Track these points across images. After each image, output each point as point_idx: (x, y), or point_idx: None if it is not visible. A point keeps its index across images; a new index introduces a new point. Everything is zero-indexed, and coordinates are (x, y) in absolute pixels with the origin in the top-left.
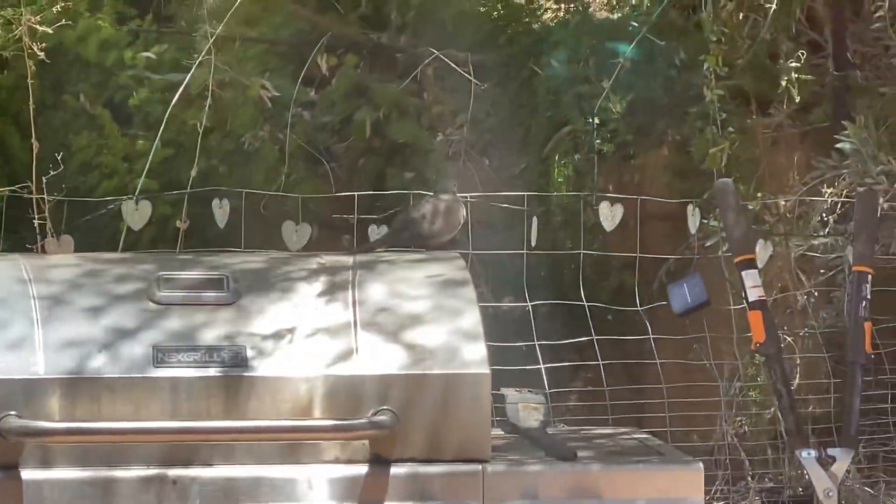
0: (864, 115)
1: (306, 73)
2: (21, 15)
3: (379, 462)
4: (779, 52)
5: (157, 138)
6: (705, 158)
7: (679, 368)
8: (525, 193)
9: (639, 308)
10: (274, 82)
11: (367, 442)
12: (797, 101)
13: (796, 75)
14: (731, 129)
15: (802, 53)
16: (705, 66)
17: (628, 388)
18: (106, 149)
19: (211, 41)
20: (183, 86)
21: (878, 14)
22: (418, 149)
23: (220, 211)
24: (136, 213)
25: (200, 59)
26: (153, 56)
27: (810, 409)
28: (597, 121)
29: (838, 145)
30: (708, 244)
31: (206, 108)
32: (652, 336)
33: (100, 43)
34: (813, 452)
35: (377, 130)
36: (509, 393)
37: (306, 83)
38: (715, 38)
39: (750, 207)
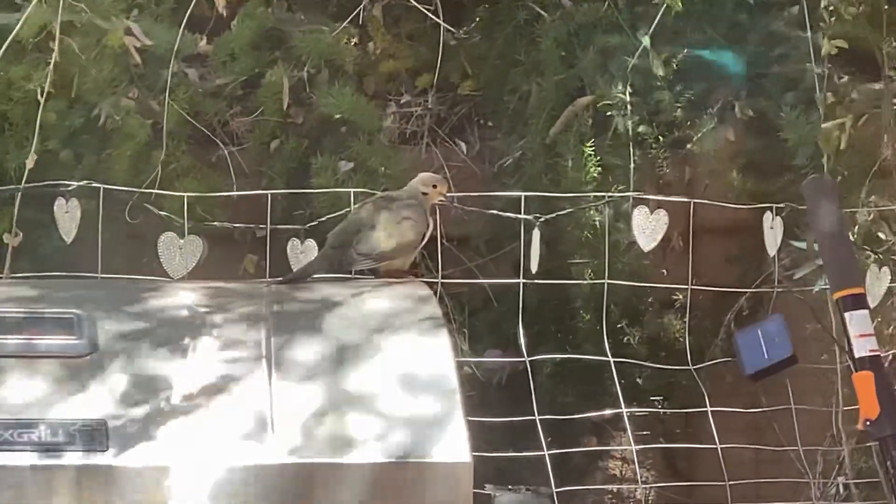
0: None
1: (193, 11)
2: None
3: None
4: None
5: None
6: (803, 142)
7: (750, 457)
8: (522, 194)
9: (690, 367)
10: (144, 25)
11: None
12: None
13: None
14: (849, 97)
15: None
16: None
17: (674, 484)
18: None
19: None
20: (16, 29)
21: None
22: (360, 126)
23: (66, 217)
24: None
25: None
26: None
27: None
28: (630, 88)
29: None
30: (797, 275)
31: (52, 64)
32: (710, 409)
33: None
34: None
35: (299, 98)
36: (499, 493)
37: (193, 27)
38: None
39: (859, 219)
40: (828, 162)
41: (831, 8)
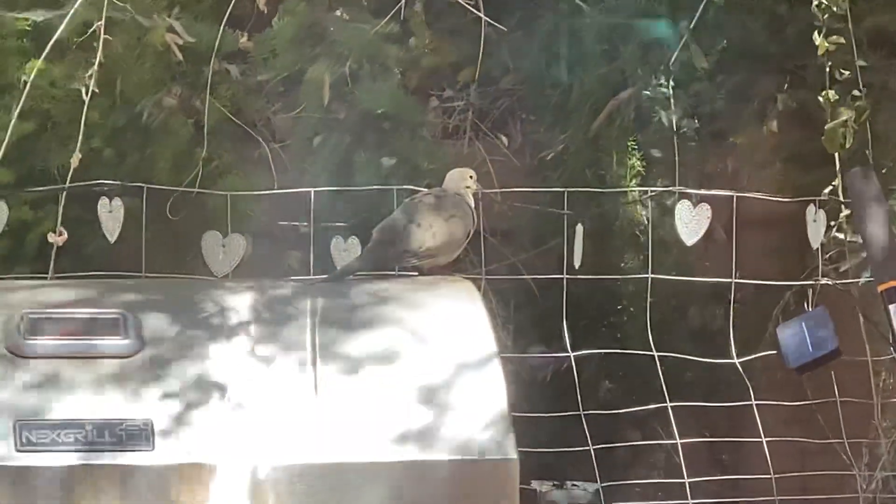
0: None
1: (234, 8)
2: None
3: None
4: None
5: (17, 108)
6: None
7: (794, 450)
8: (564, 189)
9: (735, 360)
10: (186, 22)
11: None
12: None
13: None
14: (856, 91)
15: None
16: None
17: (718, 479)
18: None
19: None
20: (59, 31)
21: None
22: (402, 121)
23: (109, 216)
24: None
25: None
26: None
27: None
28: (672, 82)
29: None
30: (843, 268)
31: (97, 63)
32: (755, 402)
33: None
34: None
35: (341, 94)
36: (545, 489)
37: (234, 24)
38: None
39: None
40: (871, 153)
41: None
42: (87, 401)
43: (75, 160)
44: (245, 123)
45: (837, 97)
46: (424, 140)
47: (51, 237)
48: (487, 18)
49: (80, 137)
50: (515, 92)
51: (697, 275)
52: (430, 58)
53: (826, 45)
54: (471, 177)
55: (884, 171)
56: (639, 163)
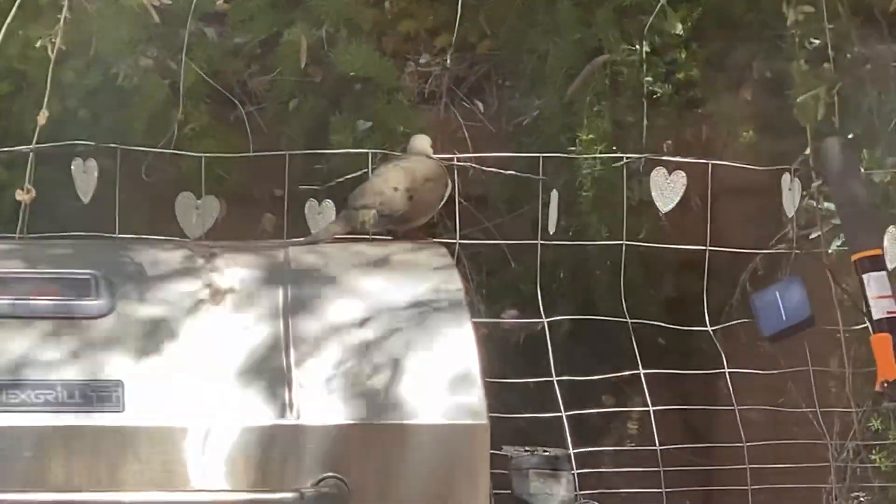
0: None
1: None
2: None
3: None
4: None
5: None
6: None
7: (767, 419)
8: (539, 155)
9: (708, 328)
10: None
11: None
12: None
13: None
14: (826, 64)
15: None
16: None
17: (690, 446)
18: None
19: None
20: None
21: None
22: (378, 85)
23: (84, 176)
24: None
25: None
26: None
27: None
28: (647, 47)
29: None
30: (812, 235)
31: (62, 20)
32: (728, 370)
33: None
34: None
35: (317, 57)
36: (516, 454)
37: None
38: None
39: (875, 180)
40: (840, 122)
41: None
42: (56, 361)
43: (42, 118)
44: (221, 86)
45: (808, 68)
46: (400, 104)
47: (18, 194)
48: None
49: (47, 95)
50: (492, 58)
51: (672, 242)
52: (407, 22)
53: (795, 14)
54: (431, 146)
55: (850, 136)
56: (613, 129)
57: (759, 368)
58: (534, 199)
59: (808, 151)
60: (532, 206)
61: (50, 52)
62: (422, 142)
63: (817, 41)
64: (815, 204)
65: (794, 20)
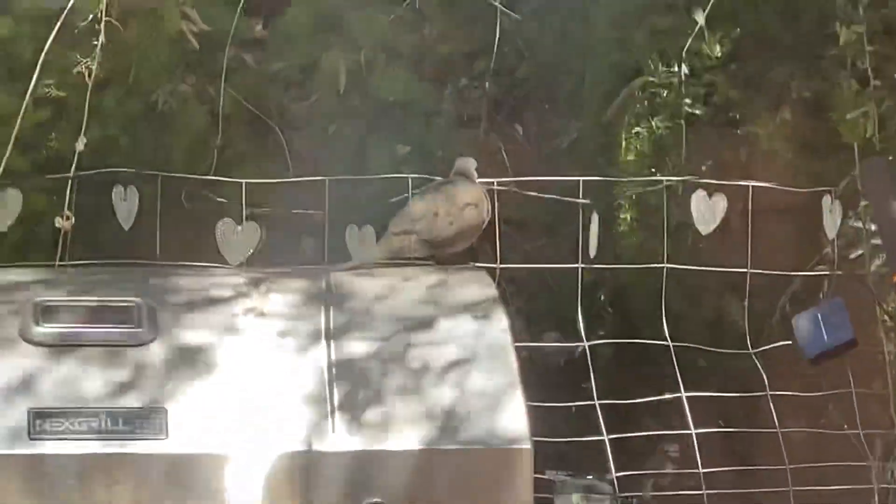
0: None
1: None
2: None
3: None
4: None
5: (28, 94)
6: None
7: (809, 440)
8: (580, 178)
9: (750, 350)
10: (201, 10)
11: None
12: None
13: None
14: (877, 82)
15: None
16: None
17: (733, 469)
18: None
19: None
20: (63, 14)
21: None
22: (417, 109)
23: (124, 204)
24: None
25: None
26: None
27: None
28: (686, 69)
29: None
30: (854, 255)
31: (98, 47)
32: (770, 392)
33: None
34: None
35: (356, 82)
36: (559, 478)
37: (250, 12)
38: None
39: None
40: (879, 142)
41: None
42: (100, 389)
43: (80, 145)
44: (260, 111)
45: (858, 87)
46: (440, 128)
47: (58, 221)
48: (502, 7)
49: (85, 122)
50: (531, 81)
51: (713, 264)
52: (445, 46)
53: (847, 34)
54: (476, 169)
55: (890, 157)
56: (652, 151)
57: (801, 390)
58: (574, 222)
59: (855, 172)
60: (572, 229)
61: (87, 78)
62: (467, 164)
63: (865, 63)
64: (861, 225)
65: (847, 40)
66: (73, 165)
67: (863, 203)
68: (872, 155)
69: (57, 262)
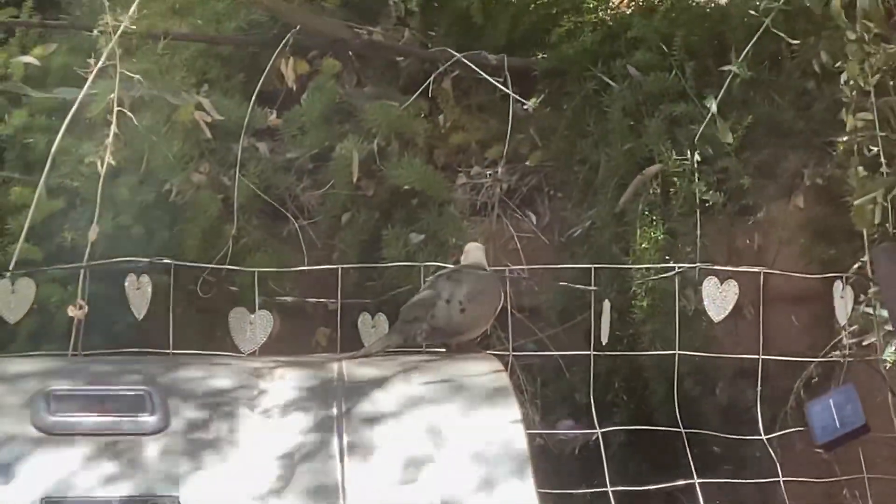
0: None
1: (263, 86)
2: None
3: None
4: None
5: (41, 184)
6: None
7: None
8: (592, 266)
9: (762, 437)
10: (214, 100)
11: None
12: None
13: None
14: (883, 168)
15: None
16: (843, 77)
17: None
18: None
19: (116, 38)
20: (76, 105)
21: None
22: (430, 197)
23: (137, 292)
24: (13, 297)
25: (101, 64)
26: (35, 62)
27: None
28: (698, 157)
29: None
30: (867, 342)
31: (110, 137)
32: (782, 479)
33: None
34: None
35: (369, 171)
36: None
37: (263, 102)
38: (854, 36)
39: None
40: (893, 229)
41: (854, 81)
42: (113, 478)
43: (93, 234)
44: (274, 200)
45: (866, 173)
46: (452, 216)
47: (70, 310)
48: (515, 96)
49: (97, 211)
50: (543, 169)
51: (725, 351)
52: (458, 134)
53: (854, 121)
54: (484, 252)
55: None
56: (665, 239)
57: (815, 476)
58: (587, 309)
59: (865, 258)
60: (585, 316)
61: (99, 167)
62: (475, 250)
63: (875, 148)
64: (871, 312)
65: (854, 126)
66: (87, 255)
67: (872, 289)
68: (884, 241)
69: (70, 352)
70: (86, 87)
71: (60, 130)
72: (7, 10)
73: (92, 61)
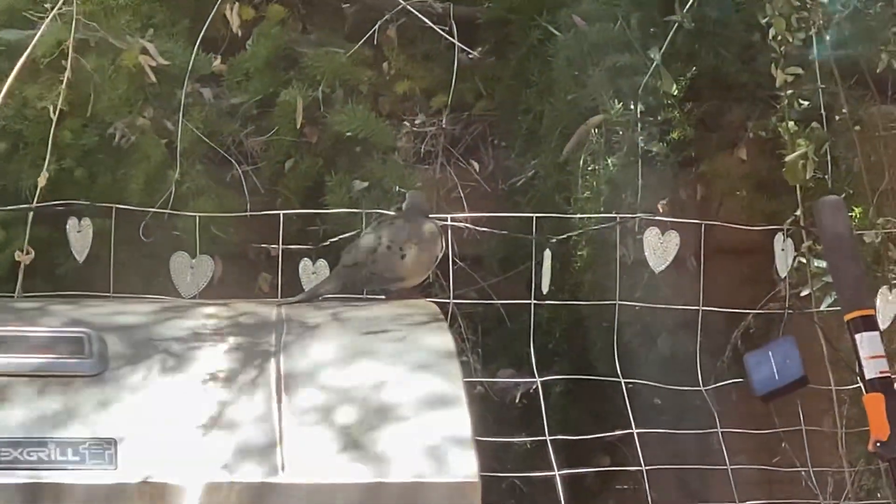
0: None
1: (208, 31)
2: None
3: None
4: None
5: None
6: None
7: (761, 478)
8: (533, 215)
9: (701, 387)
10: (159, 45)
11: None
12: None
13: None
14: (814, 124)
15: None
16: (771, 32)
17: None
18: None
19: None
20: (29, 49)
21: None
22: (374, 145)
23: (79, 236)
24: None
25: (56, 10)
26: None
27: None
28: (641, 107)
29: None
30: (805, 293)
31: (64, 82)
32: (721, 430)
33: None
34: None
35: (313, 117)
36: None
37: (208, 47)
38: None
39: (867, 240)
40: (832, 182)
41: (781, 36)
42: (49, 420)
43: (42, 180)
44: (218, 146)
45: (797, 128)
46: (396, 164)
47: (17, 255)
48: (460, 45)
49: (48, 157)
50: (487, 118)
51: (665, 301)
52: (403, 83)
53: (784, 76)
54: (426, 200)
55: (843, 196)
56: (607, 188)
57: (753, 427)
58: (528, 259)
59: (798, 212)
60: (527, 265)
61: (52, 113)
62: (418, 198)
63: (807, 102)
64: (805, 262)
65: (784, 81)
66: (36, 198)
67: (806, 242)
68: (824, 193)
69: (16, 295)
70: (41, 29)
71: (11, 74)
72: None
73: (49, 5)
